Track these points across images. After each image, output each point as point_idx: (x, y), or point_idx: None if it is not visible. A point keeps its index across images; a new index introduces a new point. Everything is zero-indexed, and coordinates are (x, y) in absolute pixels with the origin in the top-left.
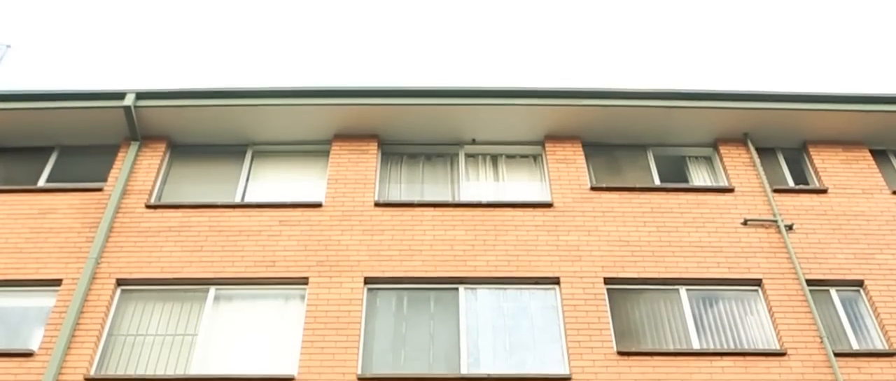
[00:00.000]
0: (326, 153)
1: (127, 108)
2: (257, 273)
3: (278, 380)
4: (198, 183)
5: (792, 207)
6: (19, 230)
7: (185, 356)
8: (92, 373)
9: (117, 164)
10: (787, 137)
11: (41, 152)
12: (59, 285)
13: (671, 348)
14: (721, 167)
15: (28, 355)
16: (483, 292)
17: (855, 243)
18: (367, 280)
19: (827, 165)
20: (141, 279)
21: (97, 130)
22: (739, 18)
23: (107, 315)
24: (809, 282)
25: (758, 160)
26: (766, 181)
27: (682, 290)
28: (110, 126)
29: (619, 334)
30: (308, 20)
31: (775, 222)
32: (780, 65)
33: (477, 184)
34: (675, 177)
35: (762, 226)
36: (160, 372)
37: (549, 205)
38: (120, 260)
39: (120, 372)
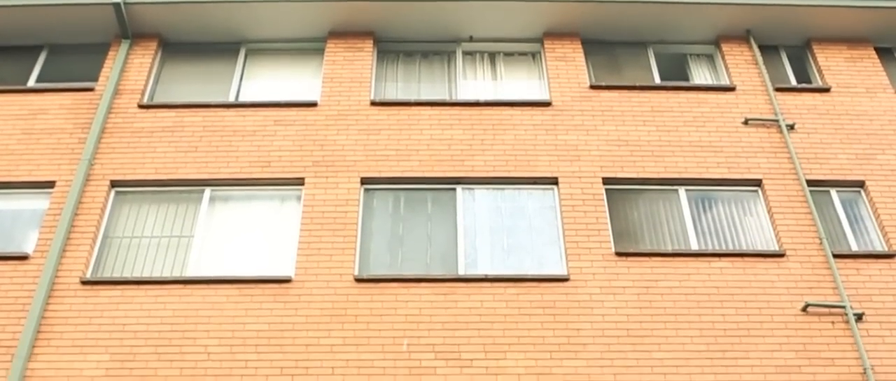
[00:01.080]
0: (321, 51)
1: (116, 4)
2: (252, 174)
3: (275, 281)
4: (190, 82)
5: (794, 106)
6: (10, 132)
7: (182, 258)
8: (88, 276)
9: (108, 63)
10: (790, 35)
11: (30, 52)
12: (52, 187)
13: (669, 249)
14: (722, 65)
15: (23, 258)
16: (481, 192)
17: (857, 143)
18: (364, 180)
19: (830, 63)
20: (135, 181)
21: (87, 27)
22: None
23: (101, 217)
24: (810, 182)
25: (760, 58)
26: (768, 80)
27: (682, 190)
28: (100, 24)
29: (618, 234)
30: None
31: (776, 121)
32: None
33: (474, 82)
34: (675, 75)
35: (763, 125)
36: (156, 274)
37: (547, 104)
38: (113, 161)
39: (116, 274)
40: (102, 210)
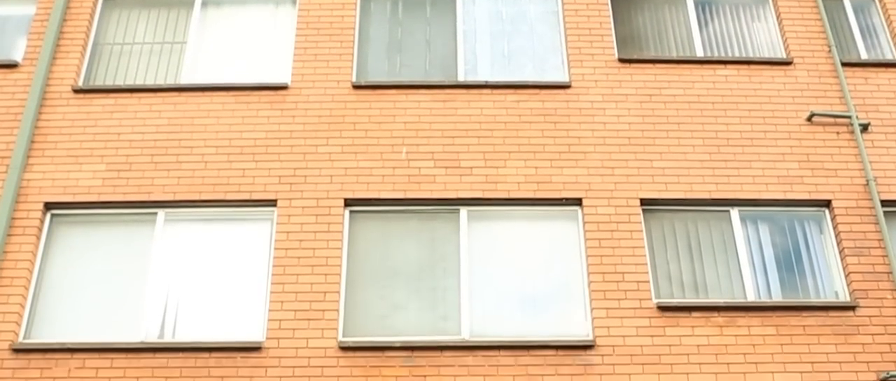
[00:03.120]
0: None
1: None
2: None
3: (271, 88)
4: None
5: None
6: None
7: (175, 66)
8: (80, 84)
9: None
10: None
11: None
12: None
13: (674, 55)
14: None
15: (12, 66)
16: None
17: None
18: None
19: None
20: None
21: None
22: None
23: (91, 23)
24: None
25: None
26: None
27: None
28: None
29: (621, 40)
30: None
31: None
32: None
33: None
34: None
35: None
36: (150, 82)
37: None
38: None
39: (108, 82)
40: (91, 16)
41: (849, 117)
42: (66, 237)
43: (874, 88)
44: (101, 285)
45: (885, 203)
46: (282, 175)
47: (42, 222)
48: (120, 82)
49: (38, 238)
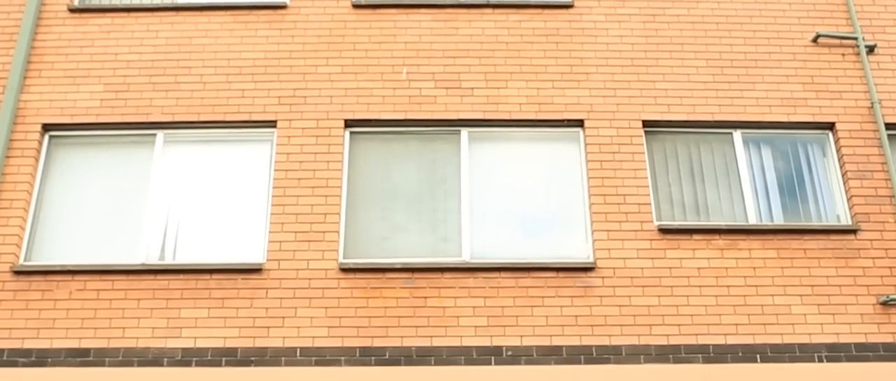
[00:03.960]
0: None
1: None
2: None
3: (270, 7)
4: None
5: None
6: None
7: None
8: (75, 3)
9: None
10: None
11: None
12: None
13: None
14: None
15: None
16: None
17: None
18: None
19: None
20: None
21: None
22: None
23: None
24: None
25: None
26: None
27: None
28: None
29: None
30: None
31: None
32: None
33: None
34: None
35: None
36: (146, 1)
37: None
38: None
39: (105, 2)
40: None
41: (855, 39)
42: (65, 159)
43: (881, 8)
44: (100, 208)
45: (889, 126)
46: (281, 96)
47: (40, 143)
48: (116, 2)
49: (37, 160)
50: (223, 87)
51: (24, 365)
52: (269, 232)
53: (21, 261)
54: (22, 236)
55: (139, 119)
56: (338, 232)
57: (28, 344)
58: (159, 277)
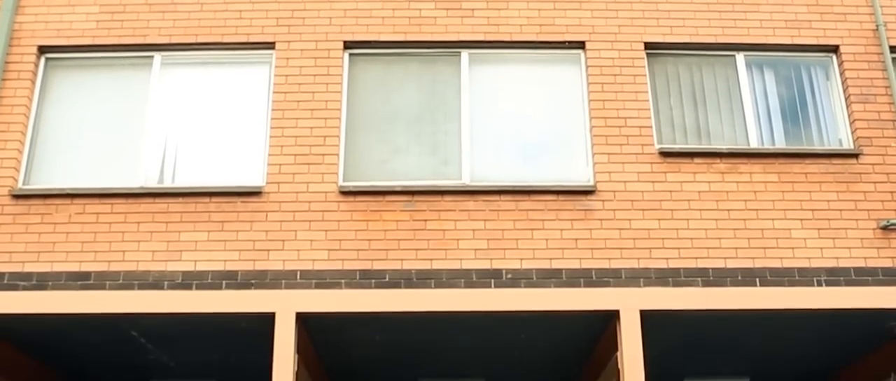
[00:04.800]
0: None
1: None
2: None
3: None
4: None
5: None
6: None
7: None
8: None
9: None
10: None
11: None
12: None
13: None
14: None
15: None
16: None
17: None
18: None
19: None
20: None
21: None
22: None
23: None
24: None
25: None
26: None
27: None
28: None
29: None
30: None
31: None
32: None
33: None
34: None
35: None
36: None
37: None
38: None
39: None
40: None
41: None
42: (62, 82)
43: None
44: (98, 131)
45: (893, 49)
46: (279, 17)
47: (36, 65)
48: None
49: (33, 83)
50: (220, 8)
51: (25, 289)
52: (269, 155)
53: (20, 185)
54: (20, 159)
55: (136, 41)
56: (337, 155)
57: (28, 268)
58: (158, 200)
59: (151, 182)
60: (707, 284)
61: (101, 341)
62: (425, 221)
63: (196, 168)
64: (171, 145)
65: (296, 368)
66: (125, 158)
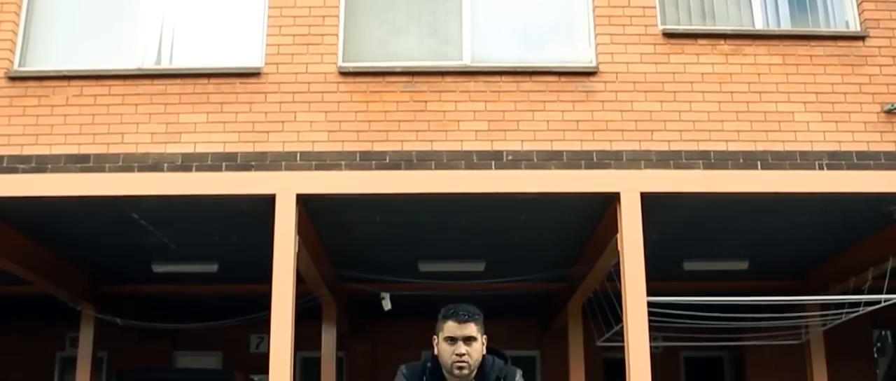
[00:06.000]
0: None
1: None
2: None
3: None
4: None
5: None
6: None
7: None
8: None
9: None
10: None
11: None
12: None
13: None
14: None
15: None
16: None
17: None
18: None
19: None
20: None
21: None
22: None
23: None
24: None
25: None
26: None
27: None
28: None
29: None
30: None
31: None
32: None
33: None
34: None
35: None
36: None
37: None
38: None
39: None
40: None
41: None
42: None
43: None
44: (93, 12)
45: None
46: None
47: None
48: None
49: None
50: None
51: (24, 171)
52: (267, 35)
53: (15, 66)
54: (15, 40)
55: None
56: (337, 35)
57: (27, 150)
58: (156, 81)
59: (149, 63)
60: (708, 167)
61: (101, 223)
62: (425, 102)
63: (194, 49)
64: (168, 26)
65: (296, 249)
66: (122, 39)
